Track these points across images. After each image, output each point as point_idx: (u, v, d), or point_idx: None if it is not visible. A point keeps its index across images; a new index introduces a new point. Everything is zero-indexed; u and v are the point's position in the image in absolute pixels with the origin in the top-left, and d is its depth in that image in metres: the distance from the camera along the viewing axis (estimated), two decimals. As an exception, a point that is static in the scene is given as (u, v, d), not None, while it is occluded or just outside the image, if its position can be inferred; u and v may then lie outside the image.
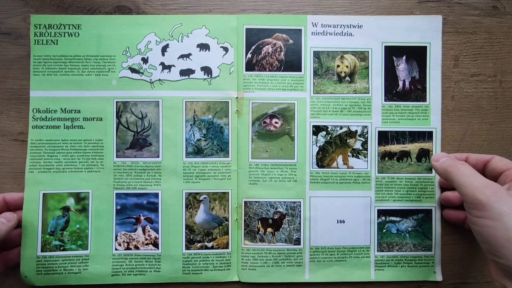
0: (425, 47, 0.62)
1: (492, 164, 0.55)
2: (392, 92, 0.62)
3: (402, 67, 0.62)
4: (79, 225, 0.61)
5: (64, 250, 0.60)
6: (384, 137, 0.62)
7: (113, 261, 0.61)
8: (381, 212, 0.62)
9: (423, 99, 0.62)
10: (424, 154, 0.62)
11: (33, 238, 0.60)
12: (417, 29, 0.62)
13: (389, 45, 0.62)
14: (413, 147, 0.62)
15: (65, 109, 0.61)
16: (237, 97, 0.62)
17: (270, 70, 0.62)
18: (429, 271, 0.62)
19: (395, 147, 0.62)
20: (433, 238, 0.62)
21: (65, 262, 0.60)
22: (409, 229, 0.62)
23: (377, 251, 0.62)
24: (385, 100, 0.62)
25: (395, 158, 0.62)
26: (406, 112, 0.62)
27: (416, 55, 0.62)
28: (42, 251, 0.60)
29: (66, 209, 0.61)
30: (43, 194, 0.60)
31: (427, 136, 0.62)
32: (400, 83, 0.62)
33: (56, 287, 0.60)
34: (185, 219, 0.61)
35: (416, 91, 0.62)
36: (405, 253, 0.62)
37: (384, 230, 0.62)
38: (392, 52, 0.62)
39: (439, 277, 0.62)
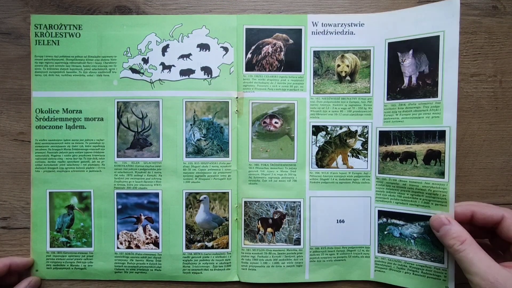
0: (437, 37, 0.57)
1: (506, 229, 0.52)
2: (396, 90, 0.60)
3: (408, 63, 0.59)
4: (83, 223, 0.62)
5: (70, 246, 0.62)
6: (386, 137, 0.61)
7: (115, 259, 0.61)
8: (382, 213, 0.61)
9: (434, 94, 0.57)
10: (434, 156, 0.57)
11: (42, 234, 0.62)
12: (427, 18, 0.57)
13: (393, 41, 0.60)
14: (420, 148, 0.58)
15: (67, 109, 0.62)
16: (237, 97, 0.62)
17: (270, 70, 0.62)
18: (440, 284, 0.57)
19: (398, 148, 0.60)
20: (446, 249, 0.57)
21: (71, 258, 0.62)
22: (415, 235, 0.59)
23: (378, 252, 0.61)
24: (387, 99, 0.61)
25: (397, 159, 0.60)
26: (411, 111, 0.59)
27: (426, 47, 0.57)
28: (51, 246, 0.61)
29: (70, 207, 0.62)
30: (49, 192, 0.61)
31: (438, 135, 0.57)
32: (406, 80, 0.59)
33: (64, 281, 0.62)
34: (185, 219, 0.62)
35: (425, 87, 0.58)
36: (409, 259, 0.59)
37: (385, 232, 0.61)
38: (396, 48, 0.60)
39: None
